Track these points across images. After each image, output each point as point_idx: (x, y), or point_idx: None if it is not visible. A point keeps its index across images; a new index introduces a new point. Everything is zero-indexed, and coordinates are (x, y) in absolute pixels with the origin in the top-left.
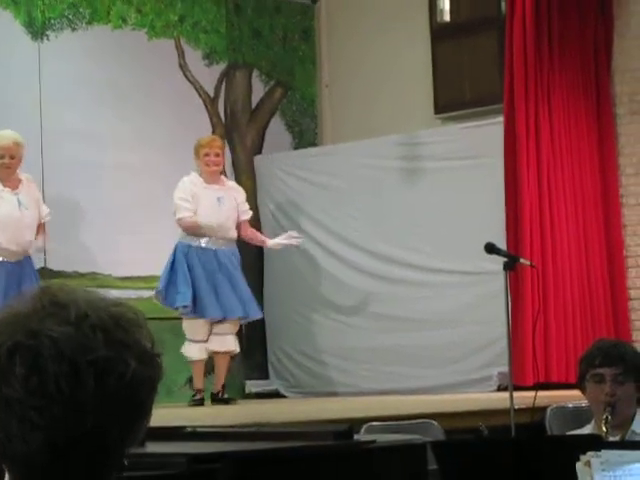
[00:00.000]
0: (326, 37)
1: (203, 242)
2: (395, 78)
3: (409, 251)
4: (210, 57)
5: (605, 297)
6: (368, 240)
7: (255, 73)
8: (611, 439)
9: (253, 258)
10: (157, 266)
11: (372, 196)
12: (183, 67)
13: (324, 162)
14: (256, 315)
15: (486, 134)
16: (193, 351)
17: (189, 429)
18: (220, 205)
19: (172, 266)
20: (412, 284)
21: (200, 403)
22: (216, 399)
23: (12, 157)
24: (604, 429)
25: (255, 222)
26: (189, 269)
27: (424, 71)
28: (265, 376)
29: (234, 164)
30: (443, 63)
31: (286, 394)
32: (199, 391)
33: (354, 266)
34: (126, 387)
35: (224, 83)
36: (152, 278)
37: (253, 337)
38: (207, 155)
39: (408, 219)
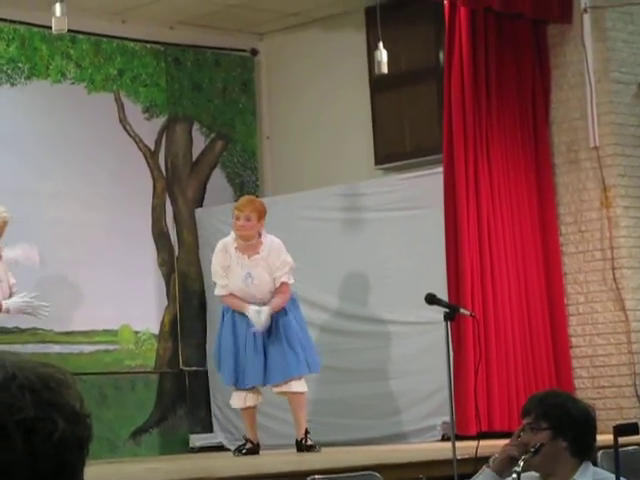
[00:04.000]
0: (266, 89)
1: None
2: (335, 129)
3: (352, 302)
4: (150, 110)
5: (547, 345)
6: (311, 292)
7: (195, 126)
8: None
9: (196, 310)
10: (98, 321)
11: (314, 247)
12: (123, 121)
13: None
14: (274, 381)
15: (426, 184)
16: (236, 399)
17: None
18: (248, 281)
19: (219, 341)
20: (355, 335)
21: (247, 452)
22: (300, 447)
23: None
24: (514, 476)
25: (197, 276)
26: (234, 336)
27: (364, 122)
28: (209, 429)
29: (175, 218)
30: (383, 114)
31: (230, 447)
32: (248, 440)
33: None
34: (54, 447)
35: (164, 136)
36: (93, 333)
37: (197, 390)
38: (237, 219)
39: (350, 270)
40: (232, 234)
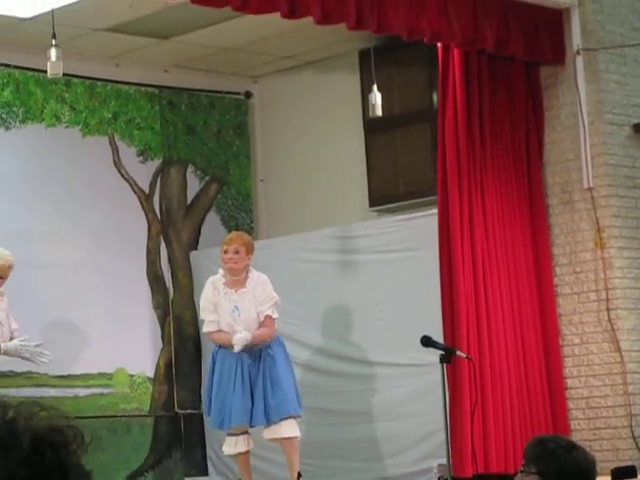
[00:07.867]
0: (260, 132)
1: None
2: (329, 171)
3: (347, 344)
4: (145, 154)
5: (542, 387)
6: (305, 334)
7: (190, 169)
8: None
9: (191, 353)
10: (94, 364)
11: (309, 290)
12: (118, 164)
13: (260, 256)
14: (258, 423)
15: (421, 226)
16: (227, 445)
17: None
18: (235, 314)
19: (210, 382)
20: (350, 377)
21: None
22: None
23: (1, 277)
24: None
25: (192, 319)
26: (221, 376)
27: (358, 164)
28: (205, 473)
29: (170, 260)
30: (377, 156)
31: None
32: None
33: (292, 360)
34: None
35: (159, 179)
36: (88, 376)
37: (192, 433)
38: (226, 252)
39: (345, 312)
40: (220, 271)
